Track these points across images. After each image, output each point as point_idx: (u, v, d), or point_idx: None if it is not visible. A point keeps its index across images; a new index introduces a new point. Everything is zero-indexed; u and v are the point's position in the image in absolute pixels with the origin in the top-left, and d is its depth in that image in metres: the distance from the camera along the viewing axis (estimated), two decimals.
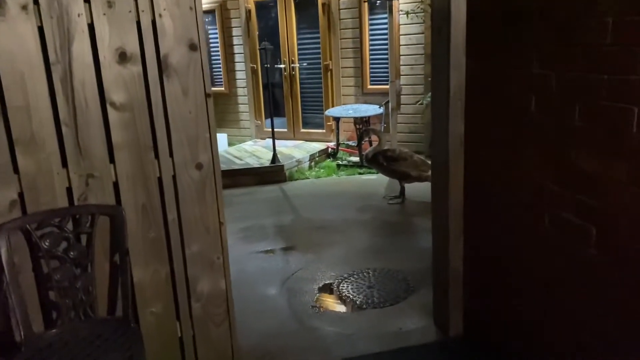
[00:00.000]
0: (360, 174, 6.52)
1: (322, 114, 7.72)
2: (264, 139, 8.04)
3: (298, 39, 7.78)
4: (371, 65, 7.37)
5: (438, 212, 2.77)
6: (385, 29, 6.75)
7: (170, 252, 2.29)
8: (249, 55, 8.11)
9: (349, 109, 7.17)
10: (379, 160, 5.21)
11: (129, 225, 2.16)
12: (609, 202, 1.78)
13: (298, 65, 7.83)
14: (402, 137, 6.88)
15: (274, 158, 6.52)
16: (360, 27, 7.24)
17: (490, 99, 2.35)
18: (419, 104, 6.57)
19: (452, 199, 2.62)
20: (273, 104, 7.46)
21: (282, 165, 6.43)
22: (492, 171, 2.41)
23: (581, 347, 2.00)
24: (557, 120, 1.97)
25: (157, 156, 2.19)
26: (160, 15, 2.08)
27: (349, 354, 2.72)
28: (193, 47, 2.15)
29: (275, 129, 6.67)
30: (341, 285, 3.54)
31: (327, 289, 3.52)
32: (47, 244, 2.03)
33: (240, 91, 8.44)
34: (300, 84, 7.95)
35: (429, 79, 6.31)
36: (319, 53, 7.65)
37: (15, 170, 1.98)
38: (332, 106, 7.63)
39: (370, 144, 6.57)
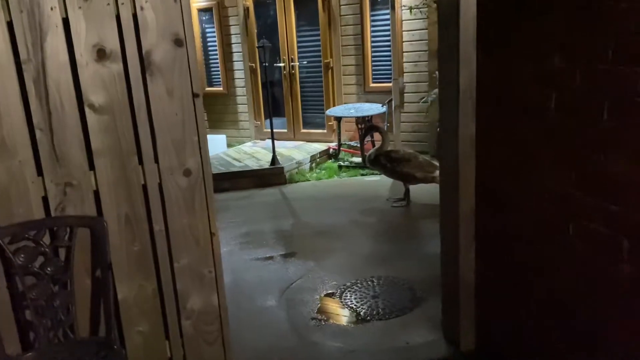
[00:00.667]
0: (362, 175, 6.38)
1: (323, 113, 7.57)
2: (264, 140, 7.89)
3: (298, 36, 7.63)
4: (373, 63, 7.22)
5: (447, 217, 2.61)
6: (388, 25, 6.63)
7: (157, 266, 2.20)
8: (247, 54, 7.99)
9: (350, 108, 7.04)
10: (382, 162, 5.04)
11: (112, 237, 2.06)
12: None
13: (298, 63, 7.68)
14: (405, 137, 6.76)
15: (274, 160, 6.39)
16: (362, 24, 7.11)
17: (504, 96, 2.18)
18: (423, 102, 6.43)
19: (463, 205, 2.47)
20: (273, 103, 7.32)
21: (282, 167, 6.30)
22: (506, 175, 2.23)
23: None
24: (581, 120, 1.78)
25: (140, 162, 2.08)
26: (142, 8, 1.97)
27: None
28: (178, 42, 2.02)
29: (275, 130, 6.54)
30: (344, 294, 3.38)
31: (329, 299, 3.36)
32: (21, 259, 1.94)
33: (239, 91, 8.33)
34: (300, 82, 7.79)
35: (433, 75, 6.27)
36: (319, 50, 7.49)
37: None
38: (333, 105, 7.49)
39: (373, 145, 6.41)
